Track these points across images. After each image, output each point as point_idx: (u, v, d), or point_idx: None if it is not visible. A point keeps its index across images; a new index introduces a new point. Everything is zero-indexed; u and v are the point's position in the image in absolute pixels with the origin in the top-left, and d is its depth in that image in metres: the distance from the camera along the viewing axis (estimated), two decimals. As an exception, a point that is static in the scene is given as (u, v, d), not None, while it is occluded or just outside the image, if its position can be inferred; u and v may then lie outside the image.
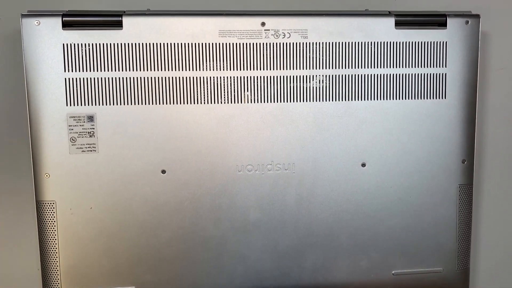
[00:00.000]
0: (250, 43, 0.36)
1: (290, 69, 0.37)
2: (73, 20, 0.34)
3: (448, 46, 0.38)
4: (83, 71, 0.35)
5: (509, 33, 0.42)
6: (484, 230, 0.45)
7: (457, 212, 0.39)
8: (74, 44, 0.34)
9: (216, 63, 0.36)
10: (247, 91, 0.36)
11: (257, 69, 0.36)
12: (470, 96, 0.38)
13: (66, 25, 0.34)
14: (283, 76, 0.37)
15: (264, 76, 0.36)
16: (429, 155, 0.38)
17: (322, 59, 0.37)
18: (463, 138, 0.39)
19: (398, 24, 0.37)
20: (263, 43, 0.36)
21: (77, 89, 0.35)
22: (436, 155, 0.38)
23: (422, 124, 0.38)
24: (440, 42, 0.38)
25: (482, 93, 0.43)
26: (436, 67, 0.38)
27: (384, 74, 0.37)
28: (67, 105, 0.35)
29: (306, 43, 0.36)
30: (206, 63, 0.36)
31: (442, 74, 0.38)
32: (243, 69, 0.36)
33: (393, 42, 0.37)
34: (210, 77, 0.36)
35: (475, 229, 0.44)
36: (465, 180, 0.39)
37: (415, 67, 0.38)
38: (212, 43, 0.36)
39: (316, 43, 0.36)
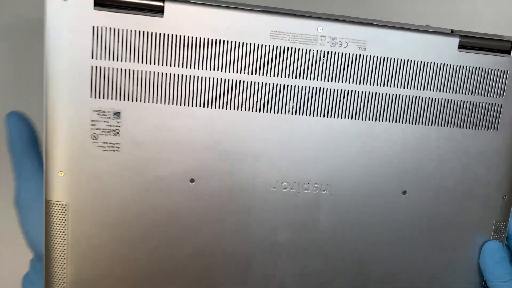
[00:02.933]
0: (303, 49, 0.32)
1: (342, 82, 0.33)
2: (107, 0, 0.30)
3: (508, 76, 0.35)
4: (113, 60, 0.30)
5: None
6: None
7: (489, 248, 0.38)
8: (106, 28, 0.30)
9: (264, 67, 0.32)
10: (293, 101, 0.33)
11: (306, 79, 0.33)
12: (525, 130, 0.36)
13: (98, 4, 0.30)
14: (334, 89, 0.33)
15: (313, 87, 0.33)
16: (471, 188, 0.36)
17: (379, 75, 0.33)
18: (508, 173, 0.37)
19: (461, 46, 0.34)
20: (318, 51, 0.32)
21: (104, 80, 0.30)
22: (478, 189, 0.37)
23: (469, 154, 0.36)
24: (500, 70, 0.35)
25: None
26: (492, 96, 0.35)
27: (437, 99, 0.35)
28: (91, 97, 0.30)
29: (363, 55, 0.33)
30: (253, 66, 0.32)
31: (498, 104, 0.36)
32: (292, 77, 0.33)
33: (454, 66, 0.34)
34: (255, 82, 0.32)
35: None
36: (502, 216, 0.38)
37: (470, 94, 0.35)
38: (263, 45, 0.32)
39: (374, 57, 0.33)
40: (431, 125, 0.35)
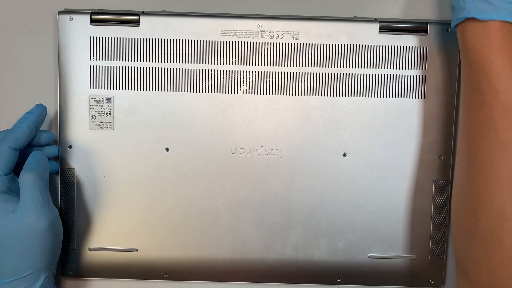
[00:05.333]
0: (248, 42, 0.41)
1: (282, 66, 0.41)
2: (99, 18, 0.41)
3: (428, 51, 0.42)
4: (105, 60, 0.41)
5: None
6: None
7: (433, 205, 0.42)
8: (99, 37, 0.41)
9: (217, 58, 0.41)
10: (243, 83, 0.42)
11: (253, 65, 0.41)
12: (448, 97, 0.42)
13: (93, 21, 0.41)
14: (276, 72, 0.42)
15: (258, 71, 0.42)
16: (408, 150, 0.42)
17: (311, 58, 0.41)
18: (440, 135, 0.42)
19: (382, 30, 0.41)
20: (259, 42, 0.41)
21: (99, 75, 0.41)
22: (414, 150, 0.42)
23: (402, 120, 0.42)
24: (420, 47, 0.41)
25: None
26: (417, 69, 0.42)
27: (367, 74, 0.42)
28: (90, 88, 0.41)
29: (297, 43, 0.41)
30: (209, 57, 0.41)
31: (422, 76, 0.42)
32: (241, 64, 0.41)
33: (377, 46, 0.41)
34: (212, 70, 0.41)
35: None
36: (441, 174, 0.42)
37: (396, 68, 0.42)
38: (215, 41, 0.41)
39: (306, 44, 0.41)
40: (365, 96, 0.42)
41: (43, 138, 0.41)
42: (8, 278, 0.36)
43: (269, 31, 0.41)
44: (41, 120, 0.40)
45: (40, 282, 0.37)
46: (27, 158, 0.38)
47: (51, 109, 0.43)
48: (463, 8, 0.35)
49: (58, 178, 0.42)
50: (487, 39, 0.34)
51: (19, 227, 0.36)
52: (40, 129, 0.41)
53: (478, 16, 0.34)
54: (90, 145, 0.42)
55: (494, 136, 0.34)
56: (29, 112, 0.40)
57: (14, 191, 0.38)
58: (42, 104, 0.41)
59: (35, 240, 0.36)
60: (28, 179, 0.36)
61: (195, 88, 0.42)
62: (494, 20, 0.34)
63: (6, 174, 0.38)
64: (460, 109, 0.38)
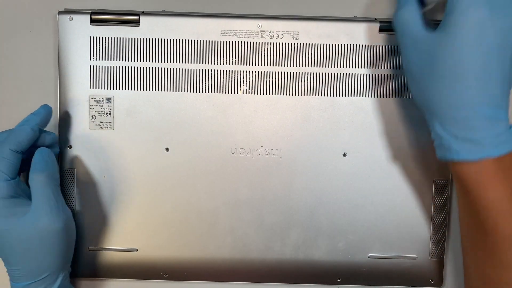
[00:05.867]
0: (248, 42, 0.41)
1: (282, 66, 0.41)
2: (99, 18, 0.41)
3: (428, 51, 0.41)
4: (105, 60, 0.41)
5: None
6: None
7: (432, 205, 0.42)
8: (99, 37, 0.41)
9: (217, 58, 0.41)
10: (243, 83, 0.42)
11: (253, 65, 0.41)
12: (448, 97, 0.42)
13: (93, 21, 0.41)
14: (276, 72, 0.42)
15: (258, 71, 0.42)
16: (408, 150, 0.42)
17: (311, 58, 0.41)
18: (440, 135, 0.42)
19: (382, 30, 0.41)
20: (259, 42, 0.41)
21: (99, 75, 0.41)
22: (414, 150, 0.42)
23: (401, 121, 0.42)
24: (421, 47, 0.41)
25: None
26: (417, 69, 0.42)
27: (367, 74, 0.42)
28: (90, 88, 0.41)
29: (297, 43, 0.41)
30: (209, 57, 0.41)
31: (422, 76, 0.42)
32: (241, 64, 0.41)
33: (377, 46, 0.41)
34: (212, 70, 0.41)
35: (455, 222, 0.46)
36: (441, 175, 0.42)
37: (396, 68, 0.42)
38: (215, 41, 0.41)
39: (306, 44, 0.41)
40: (365, 96, 0.42)
41: (47, 139, 0.39)
42: (27, 281, 0.36)
43: (269, 31, 0.41)
44: (45, 122, 0.39)
45: (58, 283, 0.37)
46: (29, 154, 0.38)
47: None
48: (449, 148, 0.33)
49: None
50: (481, 176, 0.32)
51: (34, 230, 0.35)
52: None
53: (468, 158, 0.32)
54: (90, 145, 0.42)
55: (498, 261, 0.33)
56: (33, 114, 0.38)
57: (20, 193, 0.38)
58: (48, 105, 0.40)
59: (51, 242, 0.36)
60: (39, 181, 0.36)
61: (195, 88, 0.42)
62: (484, 159, 0.32)
63: (12, 179, 0.37)
64: (459, 214, 0.37)
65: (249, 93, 0.42)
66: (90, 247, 0.42)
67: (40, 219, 0.36)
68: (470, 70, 0.32)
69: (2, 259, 0.37)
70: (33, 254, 0.36)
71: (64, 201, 0.39)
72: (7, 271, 0.37)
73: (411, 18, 0.35)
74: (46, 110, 0.39)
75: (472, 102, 0.32)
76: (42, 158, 0.37)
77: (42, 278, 0.36)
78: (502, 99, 0.32)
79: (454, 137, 0.33)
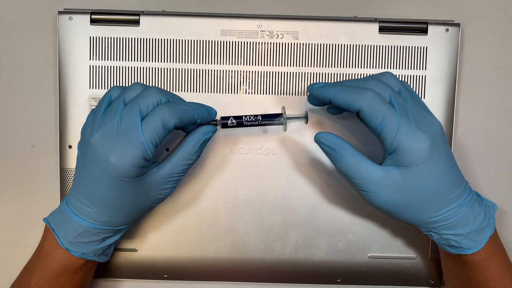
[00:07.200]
0: (248, 42, 0.41)
1: (282, 66, 0.41)
2: (99, 18, 0.41)
3: (428, 51, 0.41)
4: (104, 60, 0.41)
5: (486, 41, 0.45)
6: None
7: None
8: (99, 37, 0.41)
9: (217, 58, 0.41)
10: (243, 83, 0.42)
11: (253, 65, 0.41)
12: (448, 96, 0.42)
13: (93, 21, 0.41)
14: (276, 72, 0.41)
15: (258, 71, 0.41)
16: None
17: (311, 58, 0.41)
18: (440, 135, 0.42)
19: (382, 30, 0.41)
20: (259, 42, 0.41)
21: (99, 75, 0.41)
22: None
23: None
24: (420, 47, 0.41)
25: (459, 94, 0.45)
26: (416, 69, 0.42)
27: (367, 74, 0.42)
28: (89, 88, 0.41)
29: (297, 43, 0.41)
30: (209, 57, 0.41)
31: (422, 75, 0.42)
32: (241, 64, 0.41)
33: (377, 46, 0.41)
34: (212, 70, 0.41)
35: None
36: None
37: (396, 68, 0.42)
38: (215, 41, 0.41)
39: (306, 44, 0.41)
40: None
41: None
42: (108, 226, 0.36)
43: (269, 31, 0.41)
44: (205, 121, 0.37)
45: (118, 236, 0.38)
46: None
47: (51, 109, 0.43)
48: (459, 244, 0.36)
49: (58, 178, 0.42)
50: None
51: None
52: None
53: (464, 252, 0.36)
54: (90, 145, 0.42)
55: None
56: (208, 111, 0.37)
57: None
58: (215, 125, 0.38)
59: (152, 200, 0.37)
60: (195, 141, 0.37)
61: (195, 88, 0.41)
62: (478, 251, 0.35)
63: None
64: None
65: (249, 93, 0.42)
66: (90, 247, 0.42)
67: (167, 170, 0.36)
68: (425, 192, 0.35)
69: (94, 203, 0.35)
70: (139, 205, 0.36)
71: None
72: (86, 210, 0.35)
73: (360, 162, 0.36)
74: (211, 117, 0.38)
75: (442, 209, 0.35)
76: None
77: (120, 229, 0.37)
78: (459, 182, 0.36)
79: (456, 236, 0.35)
